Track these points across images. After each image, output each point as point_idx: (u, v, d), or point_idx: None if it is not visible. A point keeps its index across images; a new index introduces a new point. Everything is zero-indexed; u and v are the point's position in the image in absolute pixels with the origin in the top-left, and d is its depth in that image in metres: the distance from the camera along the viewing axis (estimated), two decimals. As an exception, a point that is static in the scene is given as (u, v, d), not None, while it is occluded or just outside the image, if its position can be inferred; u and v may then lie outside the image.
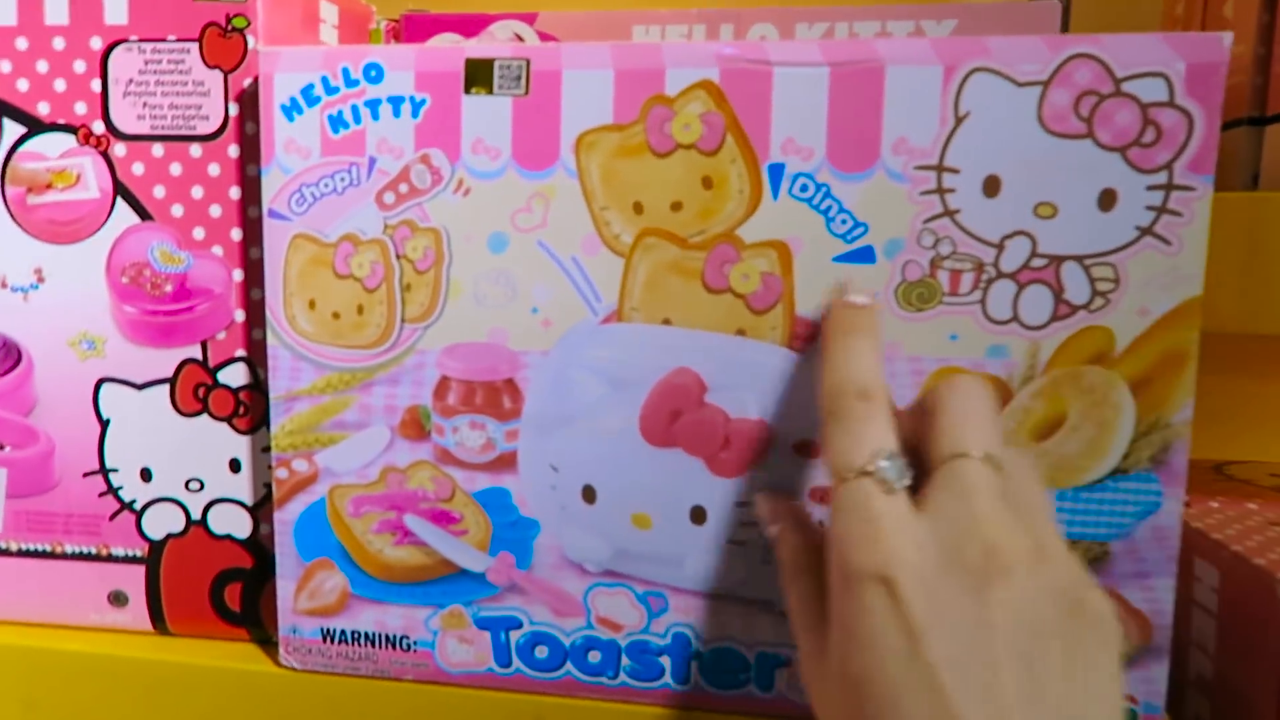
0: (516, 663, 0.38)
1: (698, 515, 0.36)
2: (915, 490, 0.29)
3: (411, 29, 0.50)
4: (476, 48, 0.36)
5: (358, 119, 0.37)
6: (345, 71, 0.37)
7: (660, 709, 0.38)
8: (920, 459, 0.29)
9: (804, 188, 0.34)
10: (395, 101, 0.36)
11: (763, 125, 0.34)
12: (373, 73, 0.36)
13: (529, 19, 0.49)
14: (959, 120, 0.33)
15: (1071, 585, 0.26)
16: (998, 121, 0.33)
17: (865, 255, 0.34)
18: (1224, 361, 0.45)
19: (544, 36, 0.48)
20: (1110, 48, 0.32)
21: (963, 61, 0.33)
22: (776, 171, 0.34)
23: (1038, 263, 0.33)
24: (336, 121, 0.37)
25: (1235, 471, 0.51)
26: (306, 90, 0.37)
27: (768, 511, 0.34)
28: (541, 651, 0.38)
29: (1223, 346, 0.38)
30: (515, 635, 0.38)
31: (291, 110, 0.37)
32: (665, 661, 0.37)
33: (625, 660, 0.38)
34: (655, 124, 0.35)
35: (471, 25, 0.50)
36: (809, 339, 0.34)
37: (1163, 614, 0.34)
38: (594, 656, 0.38)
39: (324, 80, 0.37)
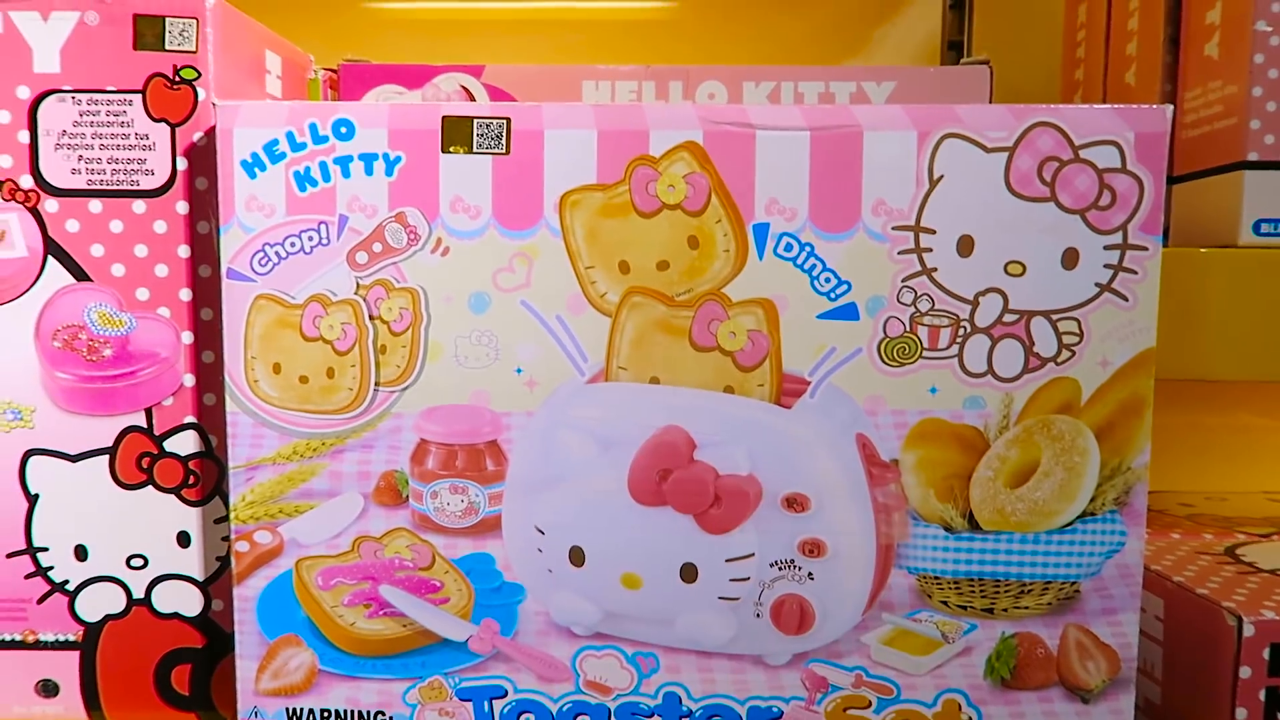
0: (500, 733, 0.37)
1: (688, 573, 0.36)
2: None
3: (350, 79, 0.49)
4: (453, 105, 0.35)
5: (326, 176, 0.36)
6: (313, 127, 0.35)
7: (650, 770, 0.37)
8: None
9: (788, 247, 0.35)
10: (367, 159, 0.35)
11: (747, 186, 0.35)
12: (343, 129, 0.35)
13: (475, 72, 0.48)
14: (933, 183, 0.34)
15: None
16: (969, 184, 0.34)
17: (849, 312, 0.35)
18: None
19: (492, 90, 0.48)
20: (1068, 117, 0.34)
21: (935, 128, 0.34)
22: (761, 231, 0.35)
23: (1009, 318, 0.35)
24: (303, 178, 0.36)
25: (1150, 503, 0.55)
26: (269, 146, 0.36)
27: None
28: (527, 719, 0.37)
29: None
30: (500, 704, 0.37)
31: (253, 166, 0.36)
32: (655, 722, 0.37)
33: (614, 723, 0.37)
34: (640, 184, 0.35)
35: (414, 76, 0.49)
36: (795, 395, 0.35)
37: (1129, 647, 0.36)
38: (582, 721, 0.37)
39: (289, 136, 0.36)
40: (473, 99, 0.48)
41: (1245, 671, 0.36)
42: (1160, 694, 0.41)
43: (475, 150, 0.35)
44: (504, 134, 0.35)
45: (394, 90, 0.48)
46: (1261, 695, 0.36)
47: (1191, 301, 0.40)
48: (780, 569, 0.36)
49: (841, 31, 0.67)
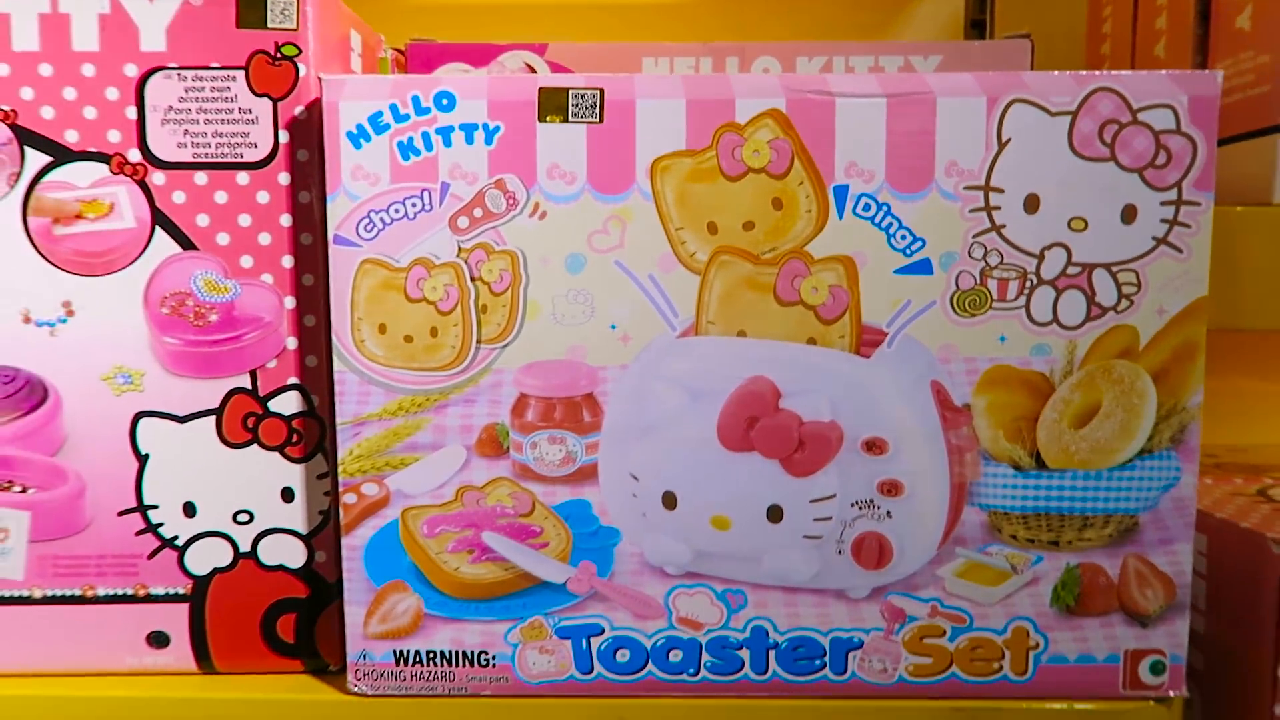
0: (598, 668, 0.40)
1: (774, 514, 0.38)
2: None
3: (417, 58, 0.51)
4: (549, 77, 0.37)
5: (429, 146, 0.38)
6: (415, 100, 0.37)
7: (740, 700, 0.40)
8: None
9: (866, 207, 0.37)
10: (468, 129, 0.38)
11: (827, 150, 0.37)
12: (444, 101, 0.37)
13: (539, 50, 0.50)
14: (1002, 145, 0.37)
15: None
16: (1035, 146, 0.37)
17: (924, 267, 0.37)
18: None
19: (555, 67, 0.50)
20: (1127, 82, 0.36)
21: (1003, 93, 0.37)
22: (841, 192, 0.37)
23: (1073, 270, 0.37)
24: (406, 148, 0.38)
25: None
26: (374, 118, 0.38)
27: None
28: (623, 655, 0.40)
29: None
30: (596, 641, 0.39)
31: (358, 137, 0.38)
32: (744, 655, 0.39)
33: (706, 657, 0.39)
34: (726, 150, 0.37)
35: (479, 55, 0.51)
36: (874, 345, 0.38)
37: (1184, 574, 0.39)
38: (675, 656, 0.39)
39: (393, 108, 0.38)
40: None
41: (1289, 595, 0.39)
42: (1204, 625, 0.44)
43: (570, 119, 0.37)
44: (598, 104, 0.37)
45: (460, 68, 0.50)
46: (1304, 617, 0.39)
47: (1229, 257, 0.43)
48: (860, 508, 0.38)
49: (870, 11, 0.70)
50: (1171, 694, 0.39)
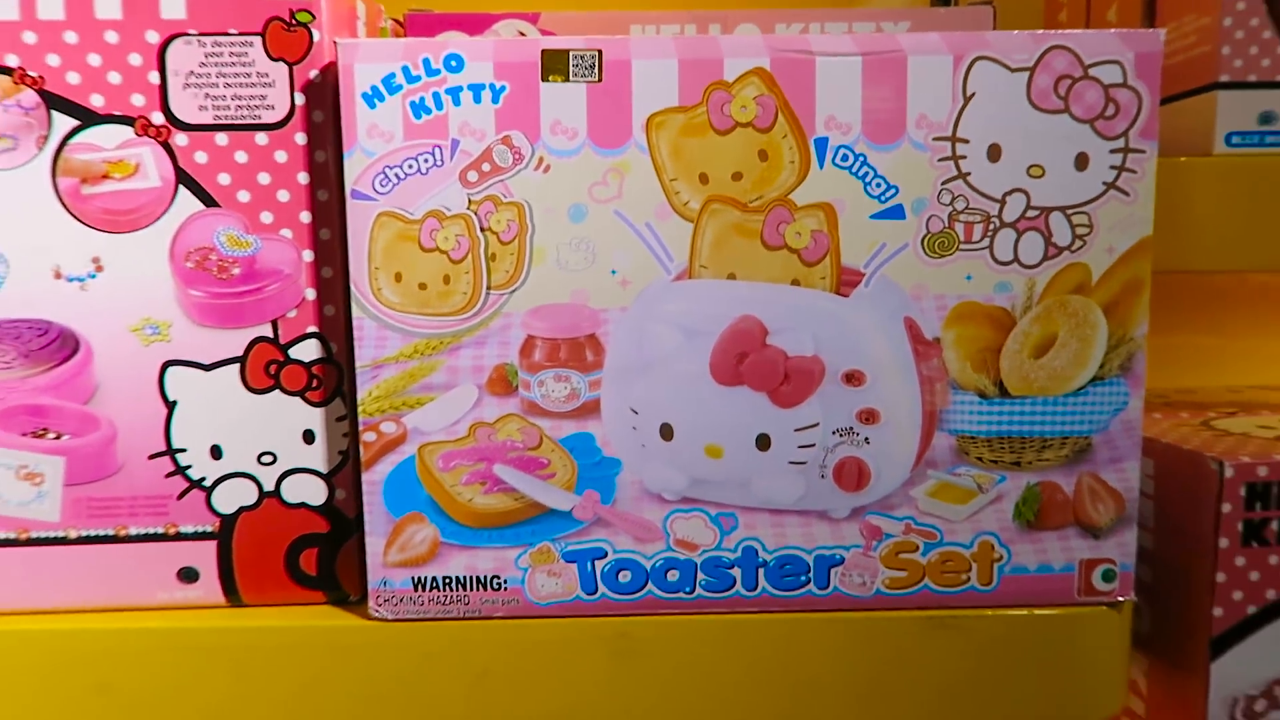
0: (602, 589, 0.43)
1: (763, 442, 0.42)
2: None
3: (415, 27, 0.53)
4: (551, 40, 0.40)
5: (439, 105, 0.40)
6: (426, 62, 0.40)
7: (732, 615, 0.43)
8: None
9: (844, 157, 0.41)
10: (475, 89, 0.40)
11: (808, 105, 0.40)
12: (453, 63, 0.40)
13: (532, 19, 0.53)
14: (967, 99, 0.40)
15: None
16: (997, 100, 0.40)
17: (897, 213, 0.41)
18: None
19: (546, 34, 0.53)
20: (1079, 40, 0.40)
21: (968, 51, 0.40)
22: (821, 144, 0.40)
23: (1031, 214, 0.41)
24: (418, 108, 0.40)
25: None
26: (388, 79, 0.40)
27: None
28: (625, 576, 0.43)
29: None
30: (600, 564, 0.43)
31: (373, 98, 0.40)
32: (736, 573, 0.43)
33: (701, 576, 0.43)
34: (716, 106, 0.40)
35: (474, 24, 0.53)
36: (852, 285, 0.41)
37: (1132, 490, 0.43)
38: (673, 575, 0.43)
39: (405, 70, 0.40)
40: (529, 43, 0.53)
41: (1226, 507, 0.43)
42: (1153, 541, 0.48)
43: (571, 79, 0.40)
44: (596, 64, 0.40)
45: (456, 37, 0.53)
46: (1239, 526, 0.43)
47: (1175, 204, 0.47)
48: (841, 435, 0.42)
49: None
50: (1121, 599, 0.43)
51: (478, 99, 0.40)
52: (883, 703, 0.43)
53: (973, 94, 0.40)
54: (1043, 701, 0.44)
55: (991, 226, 0.41)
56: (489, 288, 0.41)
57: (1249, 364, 0.72)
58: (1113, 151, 0.41)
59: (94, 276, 0.43)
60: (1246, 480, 0.43)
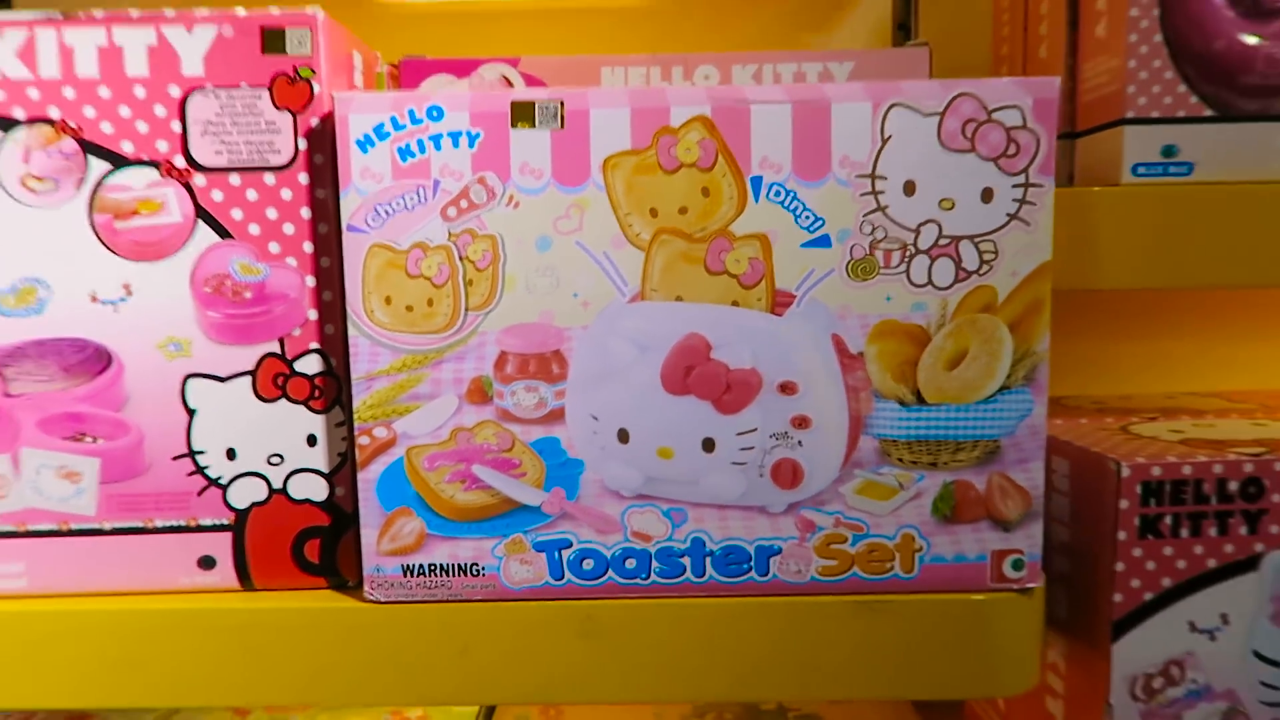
0: (568, 575, 0.49)
1: (708, 445, 0.47)
2: None
3: (409, 72, 0.59)
4: (519, 92, 0.46)
5: (423, 150, 0.46)
6: (411, 112, 0.46)
7: (683, 600, 0.49)
8: None
9: (777, 193, 0.46)
10: (455, 135, 0.46)
11: (745, 147, 0.46)
12: (434, 113, 0.46)
13: (513, 63, 0.59)
14: (884, 141, 0.46)
15: None
16: (911, 141, 0.46)
17: (824, 242, 0.46)
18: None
19: (527, 78, 0.59)
20: (982, 88, 0.45)
21: (885, 99, 0.45)
22: (757, 182, 0.46)
23: (943, 242, 0.46)
24: (405, 152, 0.46)
25: (1067, 402, 0.67)
26: (378, 128, 0.46)
27: None
28: (588, 564, 0.49)
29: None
30: (566, 553, 0.49)
31: (365, 144, 0.46)
32: (686, 561, 0.49)
33: (655, 564, 0.49)
34: (664, 148, 0.46)
35: (462, 68, 0.59)
36: (786, 306, 0.47)
37: (1037, 487, 0.48)
38: (630, 564, 0.49)
39: (393, 119, 0.46)
40: (511, 85, 0.59)
41: (1124, 504, 0.49)
42: (1069, 535, 0.53)
43: (537, 126, 0.46)
44: (559, 113, 0.46)
45: (446, 79, 0.59)
46: (1136, 521, 0.49)
47: (1086, 228, 0.52)
48: (777, 439, 0.47)
49: (805, 15, 0.79)
50: (1030, 585, 0.48)
51: (456, 144, 0.46)
52: (816, 677, 0.49)
53: (889, 136, 0.46)
54: (962, 678, 0.49)
55: (908, 253, 0.46)
56: (467, 309, 0.47)
57: (1191, 370, 0.77)
58: (1015, 186, 0.46)
59: (125, 300, 0.49)
60: (1142, 479, 0.48)
